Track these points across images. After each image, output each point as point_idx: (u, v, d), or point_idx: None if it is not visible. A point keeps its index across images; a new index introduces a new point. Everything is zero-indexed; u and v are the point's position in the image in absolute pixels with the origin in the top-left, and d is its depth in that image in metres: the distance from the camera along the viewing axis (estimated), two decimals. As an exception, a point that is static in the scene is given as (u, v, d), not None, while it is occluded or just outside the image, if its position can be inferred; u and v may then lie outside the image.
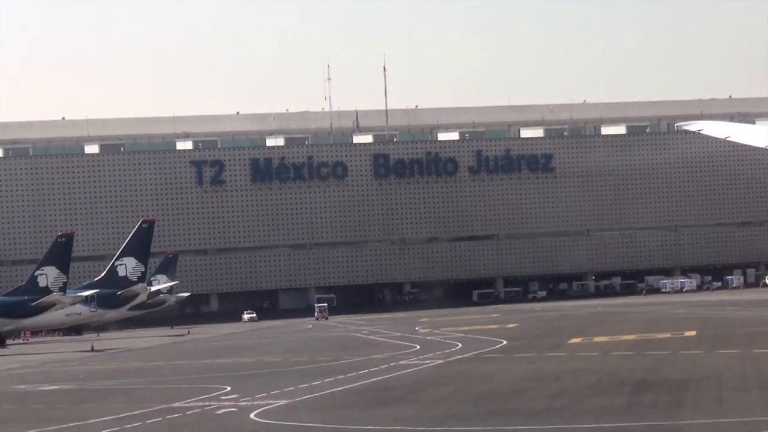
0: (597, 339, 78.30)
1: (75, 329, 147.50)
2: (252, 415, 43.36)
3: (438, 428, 37.56)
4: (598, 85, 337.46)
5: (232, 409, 45.92)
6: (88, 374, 73.03)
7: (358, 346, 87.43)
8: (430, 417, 40.42)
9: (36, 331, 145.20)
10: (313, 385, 54.88)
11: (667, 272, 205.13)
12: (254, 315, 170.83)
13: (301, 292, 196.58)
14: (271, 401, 48.21)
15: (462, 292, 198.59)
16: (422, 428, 37.62)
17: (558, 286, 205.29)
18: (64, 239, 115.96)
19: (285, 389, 53.12)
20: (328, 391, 51.64)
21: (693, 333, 77.76)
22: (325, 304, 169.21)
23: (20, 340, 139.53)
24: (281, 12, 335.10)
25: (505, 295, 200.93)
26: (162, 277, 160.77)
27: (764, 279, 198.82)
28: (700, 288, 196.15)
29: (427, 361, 66.87)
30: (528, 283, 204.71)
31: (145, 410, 47.14)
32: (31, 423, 44.60)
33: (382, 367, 63.76)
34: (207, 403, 48.57)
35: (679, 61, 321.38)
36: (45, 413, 48.61)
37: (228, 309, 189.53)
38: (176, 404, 48.90)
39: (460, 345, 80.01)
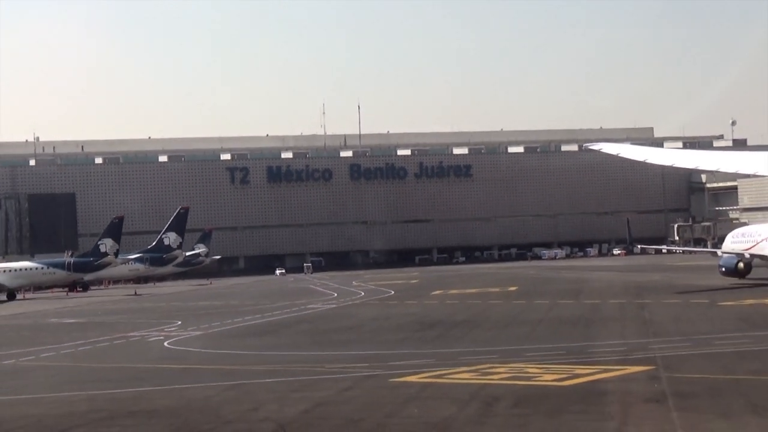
0: (451, 291, 70.85)
1: (143, 279, 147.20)
2: (166, 343, 41.20)
3: (273, 352, 34.93)
4: (510, 118, 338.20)
5: (160, 338, 43.38)
6: (106, 312, 69.91)
7: (300, 294, 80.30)
8: (277, 344, 37.96)
9: (116, 281, 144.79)
10: (234, 321, 51.93)
11: (548, 245, 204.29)
12: (284, 270, 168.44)
13: (301, 256, 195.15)
14: (192, 332, 45.76)
15: (408, 258, 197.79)
16: (266, 353, 35.12)
17: (474, 254, 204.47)
18: (117, 220, 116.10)
19: (212, 324, 50.26)
20: (236, 326, 48.51)
21: (515, 288, 70.41)
22: (310, 264, 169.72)
23: (102, 287, 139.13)
24: (302, 70, 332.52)
25: (437, 259, 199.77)
26: (201, 246, 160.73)
27: (612, 251, 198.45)
28: (568, 256, 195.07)
29: (326, 306, 62.43)
30: (453, 252, 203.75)
31: (105, 338, 45.24)
32: (24, 345, 42.78)
33: (293, 309, 59.65)
34: (149, 334, 46.02)
35: (563, 101, 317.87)
36: (41, 338, 46.83)
37: (252, 267, 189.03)
38: (131, 333, 46.58)
39: (363, 294, 75.18)
